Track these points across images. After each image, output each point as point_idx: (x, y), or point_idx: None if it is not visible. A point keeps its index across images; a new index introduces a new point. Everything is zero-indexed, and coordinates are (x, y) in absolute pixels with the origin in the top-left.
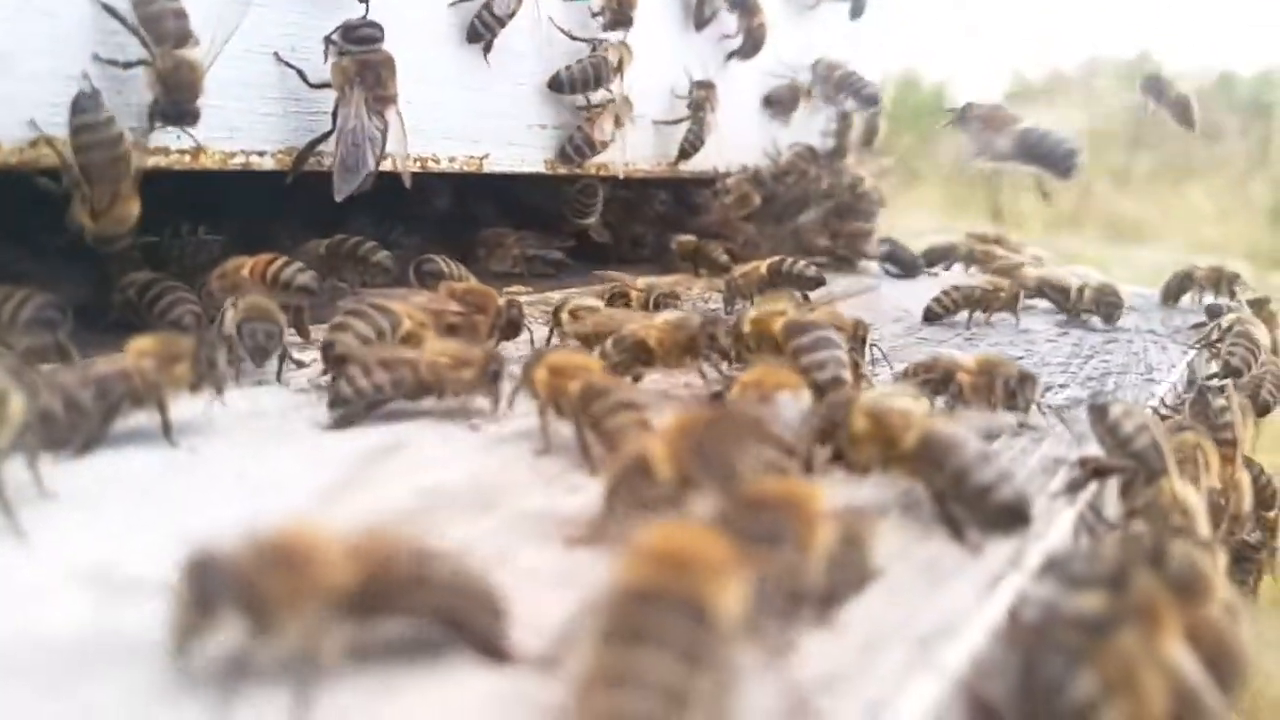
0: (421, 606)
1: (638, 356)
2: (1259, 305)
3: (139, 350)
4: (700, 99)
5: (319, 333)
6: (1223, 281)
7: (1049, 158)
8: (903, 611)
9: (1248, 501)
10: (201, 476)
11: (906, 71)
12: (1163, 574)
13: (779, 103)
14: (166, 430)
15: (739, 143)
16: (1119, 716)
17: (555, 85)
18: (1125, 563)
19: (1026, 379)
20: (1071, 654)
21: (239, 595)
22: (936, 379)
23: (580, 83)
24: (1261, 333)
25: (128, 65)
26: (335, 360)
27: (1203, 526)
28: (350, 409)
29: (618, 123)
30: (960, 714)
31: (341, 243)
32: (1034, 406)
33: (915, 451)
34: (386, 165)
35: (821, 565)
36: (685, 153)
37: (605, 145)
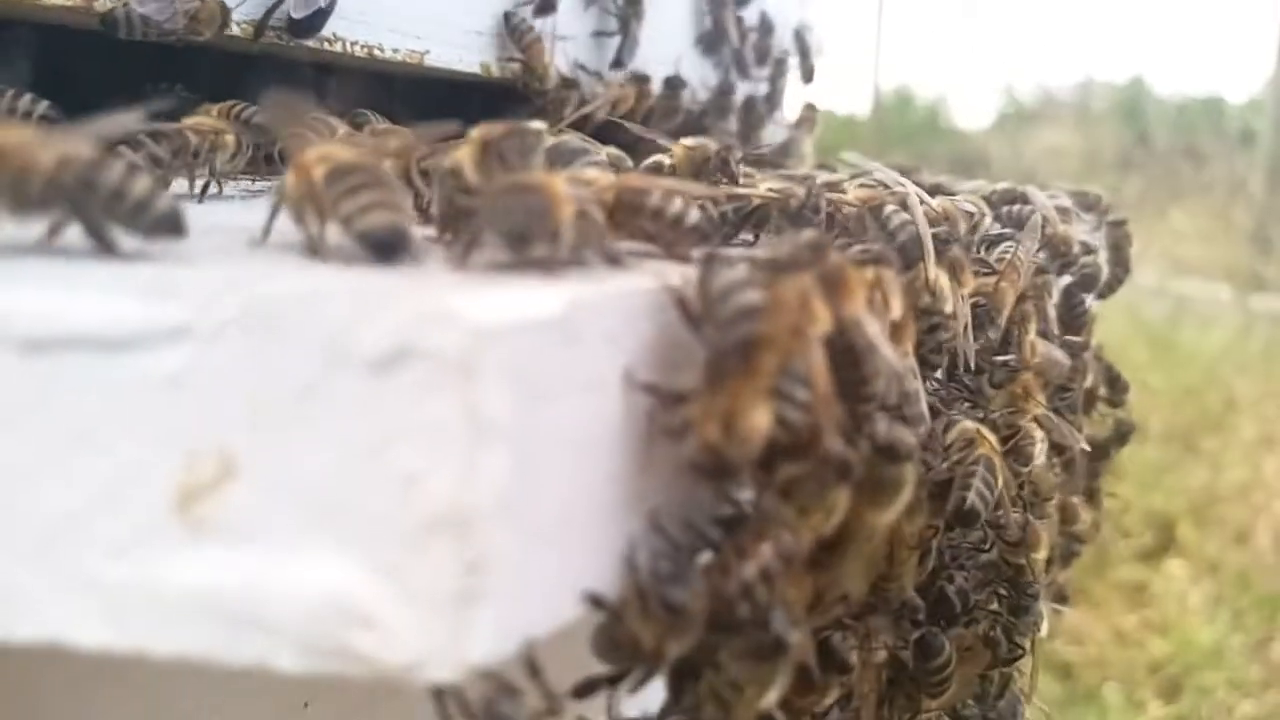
0: None
1: None
2: (1117, 225)
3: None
4: (627, 13)
5: None
6: None
7: None
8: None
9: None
10: None
11: (900, 89)
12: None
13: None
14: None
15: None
16: (777, 325)
17: None
18: (817, 244)
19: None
20: (749, 274)
21: None
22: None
23: None
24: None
25: None
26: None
27: (948, 306)
28: None
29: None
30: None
31: None
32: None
33: None
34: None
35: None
36: (619, 63)
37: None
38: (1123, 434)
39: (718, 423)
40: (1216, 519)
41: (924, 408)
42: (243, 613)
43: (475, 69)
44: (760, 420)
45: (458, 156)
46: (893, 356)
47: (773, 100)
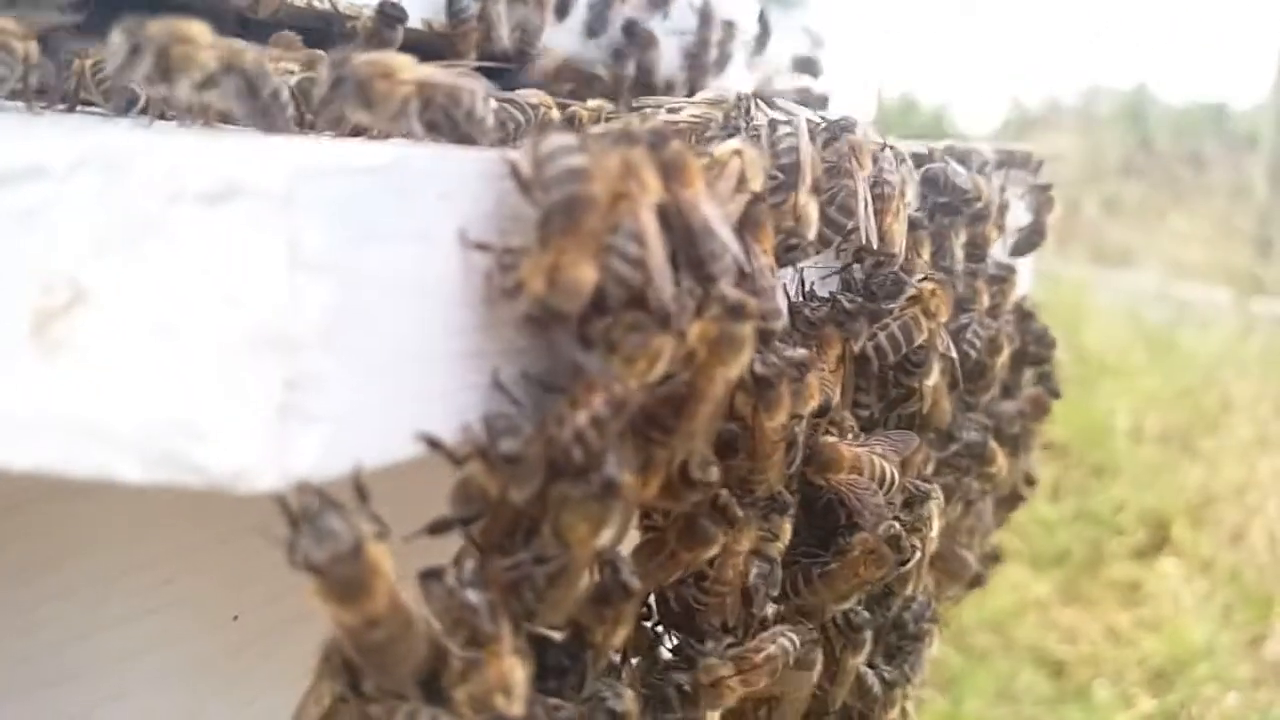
0: None
1: None
2: (1041, 188)
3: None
4: None
5: None
6: None
7: None
8: None
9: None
10: None
11: (906, 94)
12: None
13: None
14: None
15: None
16: (600, 187)
17: None
18: (658, 130)
19: None
20: (575, 141)
21: None
22: None
23: None
24: None
25: None
26: None
27: (811, 232)
28: None
29: None
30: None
31: None
32: None
33: None
34: None
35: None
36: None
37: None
38: (1049, 387)
39: (544, 277)
40: (1212, 519)
41: (780, 303)
42: (91, 427)
43: (417, 24)
44: (584, 274)
45: None
46: (730, 238)
47: (720, 63)
